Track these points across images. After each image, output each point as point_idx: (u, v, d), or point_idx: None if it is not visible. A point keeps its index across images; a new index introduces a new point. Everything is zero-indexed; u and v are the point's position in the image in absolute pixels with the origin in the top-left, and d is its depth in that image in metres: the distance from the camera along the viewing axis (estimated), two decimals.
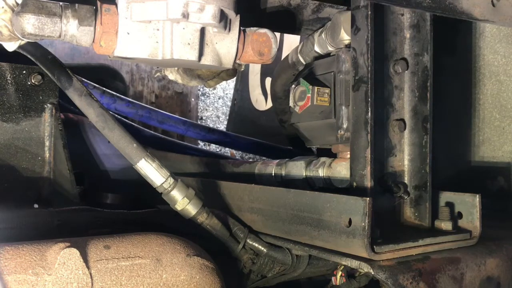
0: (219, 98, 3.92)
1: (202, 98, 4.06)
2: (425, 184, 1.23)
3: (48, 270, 0.93)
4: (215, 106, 3.97)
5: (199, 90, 4.04)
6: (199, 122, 3.90)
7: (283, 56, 1.62)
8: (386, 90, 1.23)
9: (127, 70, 4.12)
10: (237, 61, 1.18)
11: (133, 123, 2.12)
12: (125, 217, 1.31)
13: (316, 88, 1.31)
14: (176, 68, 1.55)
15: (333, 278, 1.19)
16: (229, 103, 3.77)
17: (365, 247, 1.01)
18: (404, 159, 1.24)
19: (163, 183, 1.18)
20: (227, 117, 3.78)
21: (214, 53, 1.12)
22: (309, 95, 1.32)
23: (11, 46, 1.12)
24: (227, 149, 3.40)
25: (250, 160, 2.61)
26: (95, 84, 2.11)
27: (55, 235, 1.04)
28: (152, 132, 2.22)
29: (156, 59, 1.08)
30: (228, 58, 1.15)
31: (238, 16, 1.13)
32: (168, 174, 1.19)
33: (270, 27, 1.21)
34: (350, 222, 1.04)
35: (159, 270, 1.02)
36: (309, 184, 1.39)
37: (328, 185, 1.33)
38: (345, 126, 1.26)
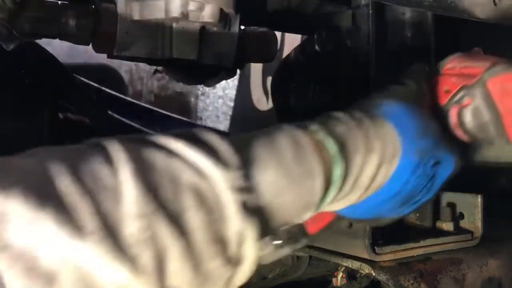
0: (219, 98, 3.91)
1: (202, 98, 4.06)
2: None
3: None
4: (214, 106, 3.96)
5: (198, 89, 4.04)
6: (198, 122, 3.89)
7: (283, 56, 1.62)
8: None
9: (126, 70, 4.12)
10: None
11: (133, 123, 2.11)
12: None
13: None
14: None
15: (333, 279, 1.18)
16: (229, 103, 3.76)
17: (366, 248, 1.00)
18: None
19: None
20: (227, 117, 3.77)
21: (214, 53, 1.12)
22: None
23: (10, 45, 1.11)
24: None
25: None
26: (94, 84, 2.10)
27: None
28: (152, 132, 2.21)
29: (156, 59, 1.08)
30: (228, 57, 1.14)
31: (238, 15, 1.13)
32: None
33: (271, 26, 1.20)
34: (351, 222, 1.03)
35: None
36: None
37: None
38: None
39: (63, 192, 0.56)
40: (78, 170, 0.58)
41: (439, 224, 1.19)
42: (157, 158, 0.62)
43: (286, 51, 1.56)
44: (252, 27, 1.19)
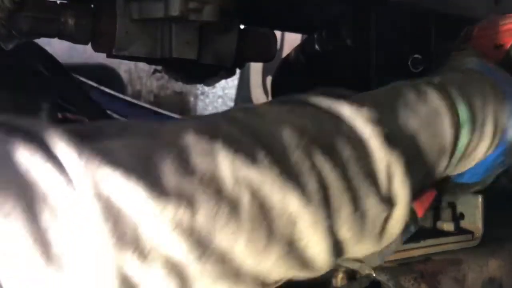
0: (218, 98, 3.91)
1: (202, 97, 4.05)
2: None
3: None
4: (214, 105, 3.96)
5: (198, 89, 4.03)
6: None
7: (283, 55, 1.61)
8: None
9: (125, 69, 4.11)
10: None
11: None
12: None
13: None
14: None
15: (333, 280, 1.17)
16: (229, 103, 3.75)
17: None
18: None
19: None
20: None
21: (213, 52, 1.12)
22: None
23: (8, 45, 1.11)
24: None
25: None
26: (93, 84, 2.10)
27: None
28: None
29: (155, 58, 1.08)
30: (228, 57, 1.14)
31: (238, 14, 1.12)
32: None
33: (271, 26, 1.20)
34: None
35: None
36: None
37: None
38: None
39: (227, 130, 0.60)
40: (233, 117, 0.64)
41: (440, 224, 1.18)
42: (295, 105, 0.71)
43: (286, 51, 1.56)
44: (252, 26, 1.19)
